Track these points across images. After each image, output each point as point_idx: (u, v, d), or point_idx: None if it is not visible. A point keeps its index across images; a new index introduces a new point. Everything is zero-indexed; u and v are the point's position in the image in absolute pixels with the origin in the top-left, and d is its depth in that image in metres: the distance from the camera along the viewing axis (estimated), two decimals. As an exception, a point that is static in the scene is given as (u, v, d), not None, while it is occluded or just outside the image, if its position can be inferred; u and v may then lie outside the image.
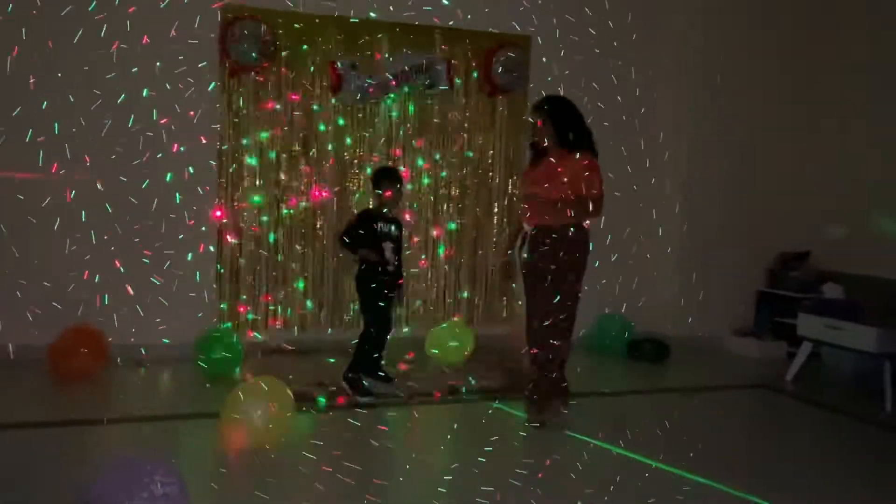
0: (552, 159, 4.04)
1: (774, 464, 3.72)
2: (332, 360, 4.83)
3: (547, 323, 3.99)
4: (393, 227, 4.54)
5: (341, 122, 5.32)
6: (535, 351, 4.08)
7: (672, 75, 6.06)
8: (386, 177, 4.57)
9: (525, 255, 4.13)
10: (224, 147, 5.07)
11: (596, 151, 4.09)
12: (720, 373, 5.56)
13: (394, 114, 5.44)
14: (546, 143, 4.09)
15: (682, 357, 5.76)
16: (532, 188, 4.12)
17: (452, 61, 5.49)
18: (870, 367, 5.14)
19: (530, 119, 4.20)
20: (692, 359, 5.78)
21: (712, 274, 6.08)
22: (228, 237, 5.11)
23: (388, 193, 4.50)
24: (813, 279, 5.96)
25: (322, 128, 5.27)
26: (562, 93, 5.62)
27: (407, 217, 5.39)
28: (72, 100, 4.63)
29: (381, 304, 4.48)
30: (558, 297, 3.95)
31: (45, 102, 4.56)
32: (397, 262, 4.55)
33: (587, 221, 4.05)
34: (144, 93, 4.77)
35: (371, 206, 4.65)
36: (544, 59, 5.68)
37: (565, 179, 3.95)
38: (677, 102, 6.12)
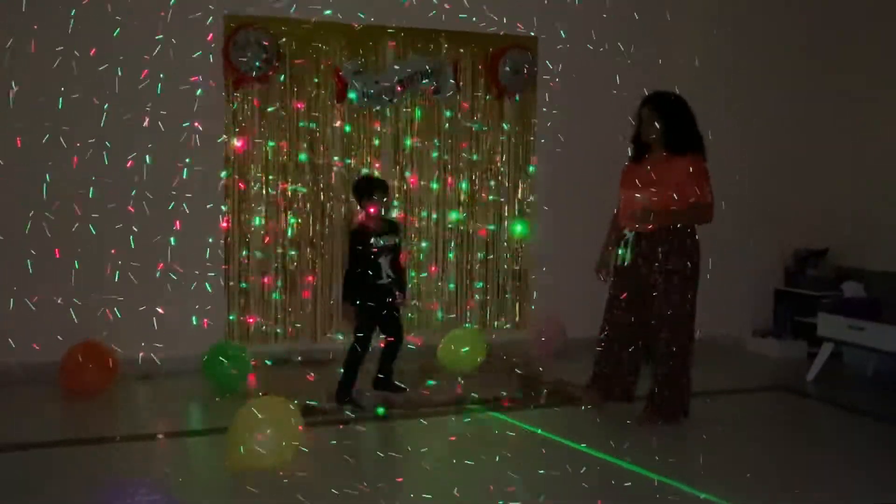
0: (658, 161, 3.95)
1: (797, 469, 3.61)
2: (341, 370, 4.77)
3: (655, 341, 3.99)
4: (384, 239, 4.33)
5: (348, 128, 5.26)
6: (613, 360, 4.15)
7: (684, 73, 5.92)
8: (376, 187, 4.36)
9: (624, 261, 4.05)
10: (229, 158, 5.03)
11: (705, 155, 3.99)
12: (740, 374, 5.43)
13: (400, 119, 5.39)
14: (652, 142, 4.00)
15: (701, 358, 5.62)
16: (636, 191, 4.00)
17: (459, 64, 5.44)
18: (893, 367, 5.02)
19: (639, 114, 4.07)
20: (711, 360, 5.65)
21: (729, 273, 5.96)
22: (235, 248, 5.07)
23: (374, 209, 4.29)
24: (832, 277, 5.83)
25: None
26: (569, 93, 5.61)
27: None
28: (74, 113, 4.61)
29: (367, 319, 4.36)
30: (668, 309, 3.93)
31: (46, 118, 4.56)
32: (392, 275, 4.39)
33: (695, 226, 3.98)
34: (148, 105, 4.75)
35: (360, 222, 4.42)
36: (550, 61, 5.60)
37: (674, 185, 3.87)
38: (690, 100, 6.00)
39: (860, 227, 5.86)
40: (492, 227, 5.62)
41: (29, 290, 4.58)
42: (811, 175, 6.16)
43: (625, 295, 4.11)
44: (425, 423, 4.19)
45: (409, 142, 5.41)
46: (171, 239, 4.84)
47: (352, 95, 5.17)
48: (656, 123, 3.98)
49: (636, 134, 4.11)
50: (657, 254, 3.93)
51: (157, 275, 4.83)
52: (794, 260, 6.13)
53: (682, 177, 3.87)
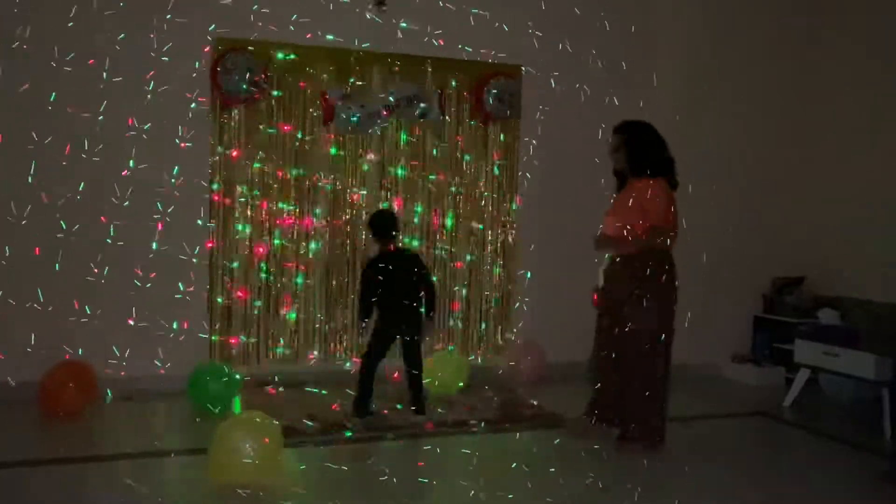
0: (627, 188, 4.07)
1: (772, 495, 3.66)
2: (323, 392, 4.78)
3: (625, 357, 4.01)
4: (398, 265, 4.48)
5: (334, 151, 5.31)
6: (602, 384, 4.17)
7: (662, 104, 6.05)
8: (372, 223, 4.63)
9: (601, 285, 4.15)
10: (216, 179, 5.06)
11: (675, 181, 4.08)
12: (718, 400, 5.49)
13: (386, 143, 5.45)
14: (623, 170, 4.12)
15: (680, 384, 5.67)
16: (607, 218, 4.13)
17: (445, 90, 5.52)
18: (868, 394, 5.09)
19: (609, 144, 4.20)
20: (689, 386, 5.71)
21: (708, 300, 6.03)
22: (220, 267, 5.09)
23: (383, 244, 4.56)
24: (809, 304, 5.92)
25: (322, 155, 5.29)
26: (552, 120, 5.70)
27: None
28: (62, 132, 4.63)
29: (374, 337, 4.53)
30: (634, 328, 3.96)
31: (36, 135, 4.58)
32: (408, 298, 4.49)
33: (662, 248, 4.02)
34: (135, 125, 4.78)
35: (371, 256, 4.70)
36: (535, 89, 5.69)
37: (636, 210, 3.95)
38: (669, 131, 6.09)
39: (836, 257, 5.96)
40: (473, 257, 5.69)
41: (9, 309, 4.56)
42: (789, 205, 6.27)
43: (604, 318, 4.18)
44: (406, 444, 4.21)
45: (393, 167, 5.46)
46: (156, 257, 4.85)
47: (338, 120, 5.24)
48: (621, 151, 4.07)
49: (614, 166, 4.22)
50: (625, 277, 3.99)
51: (141, 294, 4.83)
52: (772, 288, 6.22)
53: (642, 201, 3.95)
